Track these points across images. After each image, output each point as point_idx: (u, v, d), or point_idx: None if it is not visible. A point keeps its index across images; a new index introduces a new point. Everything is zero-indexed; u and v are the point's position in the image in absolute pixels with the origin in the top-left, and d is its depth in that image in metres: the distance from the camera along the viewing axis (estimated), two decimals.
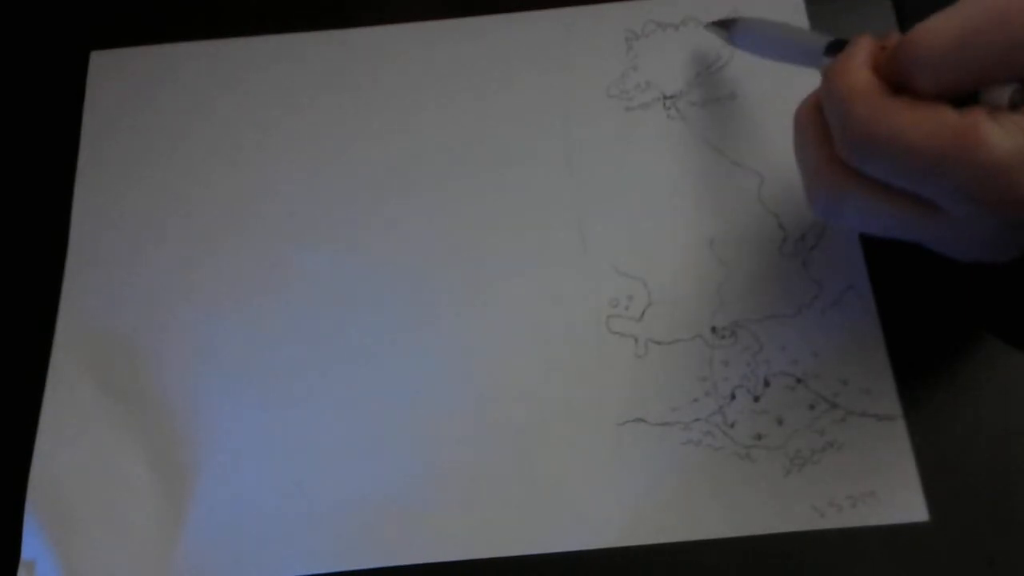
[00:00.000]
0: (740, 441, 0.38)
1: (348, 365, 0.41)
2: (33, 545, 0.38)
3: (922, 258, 0.35)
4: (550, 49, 0.46)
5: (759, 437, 0.38)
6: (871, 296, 0.40)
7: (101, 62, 0.47)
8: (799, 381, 0.39)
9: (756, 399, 0.39)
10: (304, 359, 0.41)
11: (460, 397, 0.40)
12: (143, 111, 0.46)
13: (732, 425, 0.39)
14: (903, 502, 0.37)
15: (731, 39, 0.42)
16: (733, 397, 0.39)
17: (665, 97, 0.45)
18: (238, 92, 0.46)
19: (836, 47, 0.35)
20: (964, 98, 0.29)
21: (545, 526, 0.38)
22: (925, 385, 0.39)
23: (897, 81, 0.30)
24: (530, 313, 0.41)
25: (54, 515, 0.39)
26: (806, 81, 0.35)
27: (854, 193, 0.31)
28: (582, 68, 0.46)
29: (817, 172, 0.32)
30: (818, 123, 0.32)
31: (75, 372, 0.41)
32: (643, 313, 0.41)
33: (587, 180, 0.43)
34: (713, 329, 0.40)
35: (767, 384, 0.39)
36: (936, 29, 0.28)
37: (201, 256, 0.43)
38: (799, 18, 0.46)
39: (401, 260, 0.42)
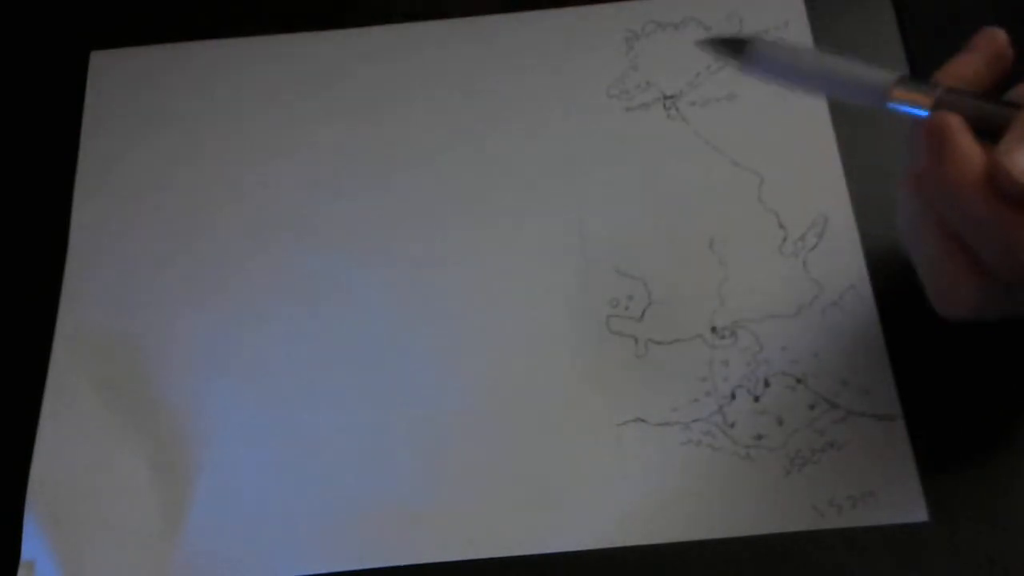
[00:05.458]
0: (740, 441, 0.38)
1: (348, 365, 0.41)
2: (33, 546, 0.38)
3: None
4: (550, 49, 0.46)
5: (759, 437, 0.38)
6: (871, 296, 0.40)
7: (101, 62, 0.47)
8: (799, 381, 0.39)
9: (756, 399, 0.39)
10: (304, 359, 0.41)
11: (460, 397, 0.40)
12: (143, 111, 0.46)
13: (732, 425, 0.39)
14: (903, 502, 0.37)
15: (742, 65, 0.34)
16: (733, 397, 0.39)
17: (665, 97, 0.45)
18: (238, 92, 0.46)
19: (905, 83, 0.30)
20: None
21: (545, 526, 0.38)
22: (925, 385, 0.39)
23: None
24: (530, 313, 0.41)
25: (54, 515, 0.39)
26: None
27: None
28: (582, 68, 0.46)
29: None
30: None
31: (75, 372, 0.41)
32: (643, 313, 0.41)
33: (587, 180, 0.43)
34: (713, 329, 0.40)
35: (767, 384, 0.39)
36: None
37: (201, 256, 0.43)
38: (799, 18, 0.46)
39: (401, 260, 0.42)
